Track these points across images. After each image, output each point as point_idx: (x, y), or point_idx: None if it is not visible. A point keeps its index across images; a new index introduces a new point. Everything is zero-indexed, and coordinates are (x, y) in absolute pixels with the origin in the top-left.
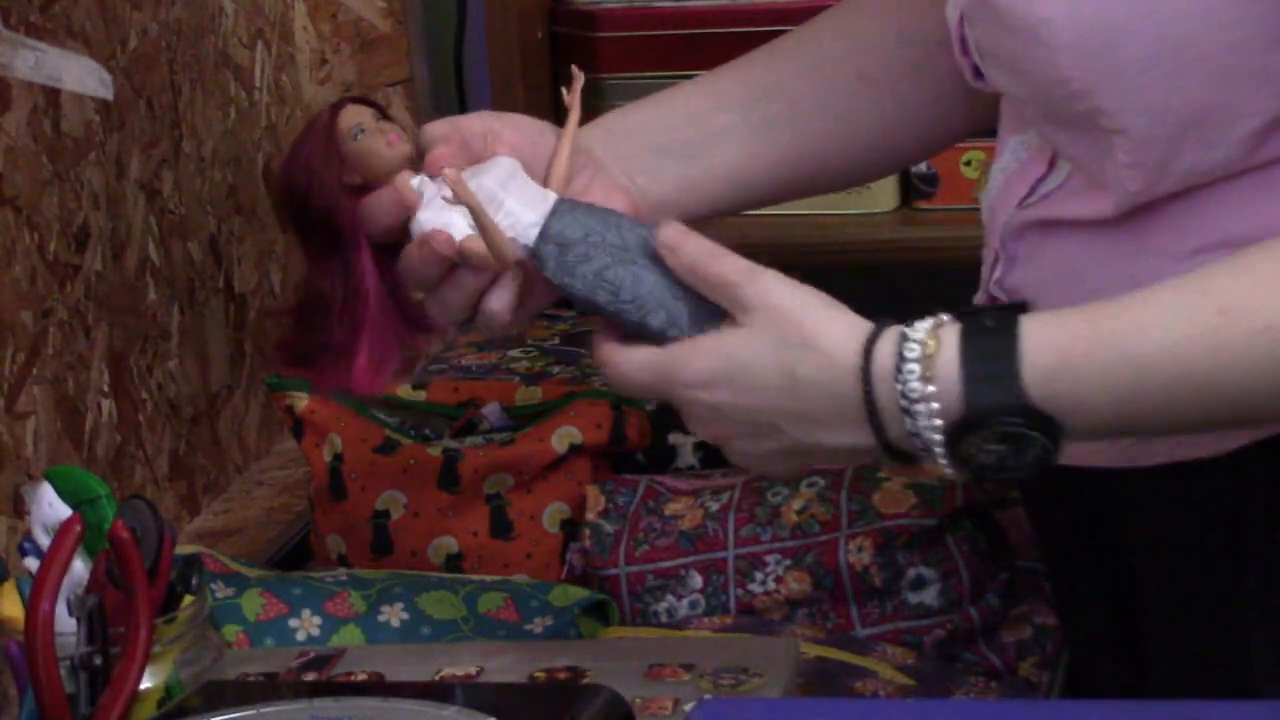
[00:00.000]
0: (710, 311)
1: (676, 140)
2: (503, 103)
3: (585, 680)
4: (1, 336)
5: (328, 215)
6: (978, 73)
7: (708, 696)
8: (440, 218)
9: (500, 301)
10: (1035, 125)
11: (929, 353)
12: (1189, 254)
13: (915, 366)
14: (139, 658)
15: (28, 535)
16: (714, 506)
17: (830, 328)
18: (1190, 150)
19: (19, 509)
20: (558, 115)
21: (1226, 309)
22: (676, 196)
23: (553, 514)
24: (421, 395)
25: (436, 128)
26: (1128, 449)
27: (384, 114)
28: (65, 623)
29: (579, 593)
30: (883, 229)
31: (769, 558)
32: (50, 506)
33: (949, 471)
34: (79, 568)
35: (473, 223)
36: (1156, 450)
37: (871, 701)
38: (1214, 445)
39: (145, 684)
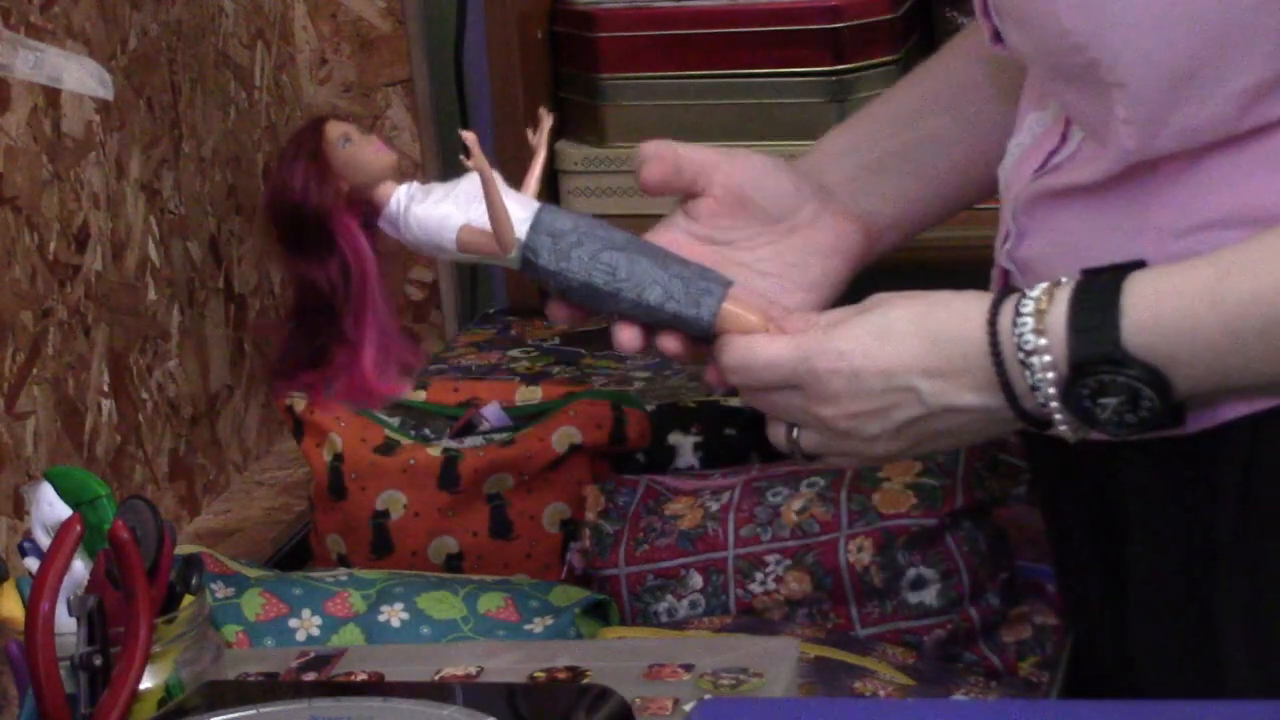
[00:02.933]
0: (704, 288)
1: (890, 152)
2: (503, 103)
3: (585, 680)
4: (1, 336)
5: (321, 216)
6: (997, 36)
7: (708, 696)
8: (436, 210)
9: None
10: (1046, 84)
11: (1041, 308)
12: (1187, 231)
13: (1029, 319)
14: (139, 658)
15: (28, 535)
16: (714, 506)
17: (960, 295)
18: (1184, 106)
19: (19, 509)
20: (557, 114)
21: None
22: (900, 210)
23: (553, 514)
24: (421, 395)
25: (653, 145)
26: None
27: (366, 128)
28: (65, 623)
29: (579, 593)
30: None
31: (769, 558)
32: (50, 506)
33: (1069, 431)
34: (79, 568)
35: (468, 215)
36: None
37: (871, 701)
38: (1192, 422)
39: (145, 684)
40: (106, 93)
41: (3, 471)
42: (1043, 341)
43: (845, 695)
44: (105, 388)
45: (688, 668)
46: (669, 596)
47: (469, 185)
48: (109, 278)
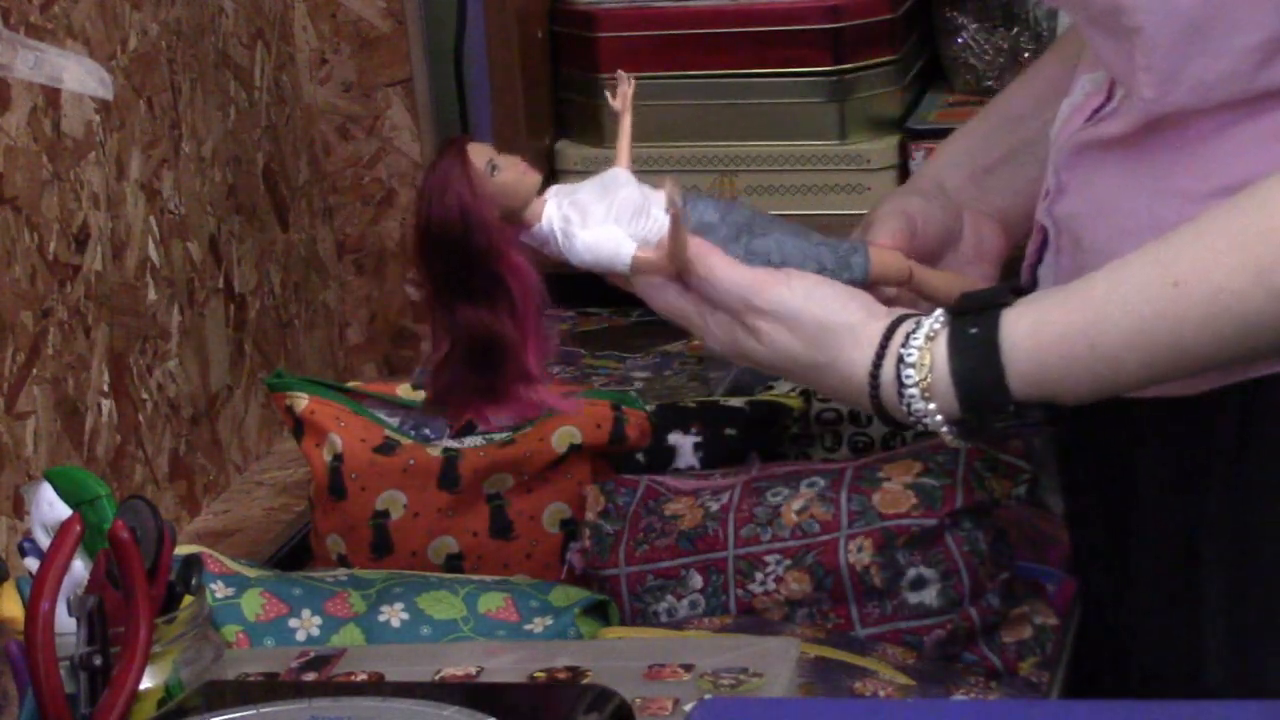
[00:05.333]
0: (849, 248)
1: (1007, 151)
2: (503, 103)
3: (585, 680)
4: (1, 336)
5: (489, 251)
6: None
7: (708, 696)
8: (606, 235)
9: None
10: (1083, 31)
11: (924, 376)
12: (1207, 196)
13: (915, 390)
14: (139, 658)
15: (28, 535)
16: (714, 506)
17: (845, 346)
18: (1198, 59)
19: (19, 509)
20: (557, 115)
21: (1181, 280)
22: (1029, 199)
23: (553, 514)
24: (421, 395)
25: (888, 214)
26: None
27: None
28: (65, 623)
29: (579, 593)
30: None
31: (769, 558)
32: (50, 506)
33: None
34: (79, 568)
35: (632, 233)
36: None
37: (871, 701)
38: (1183, 385)
39: (145, 684)
40: (106, 93)
41: (3, 471)
42: (931, 405)
43: (845, 695)
44: (105, 388)
45: (688, 668)
46: (669, 596)
47: (626, 195)
48: (109, 278)
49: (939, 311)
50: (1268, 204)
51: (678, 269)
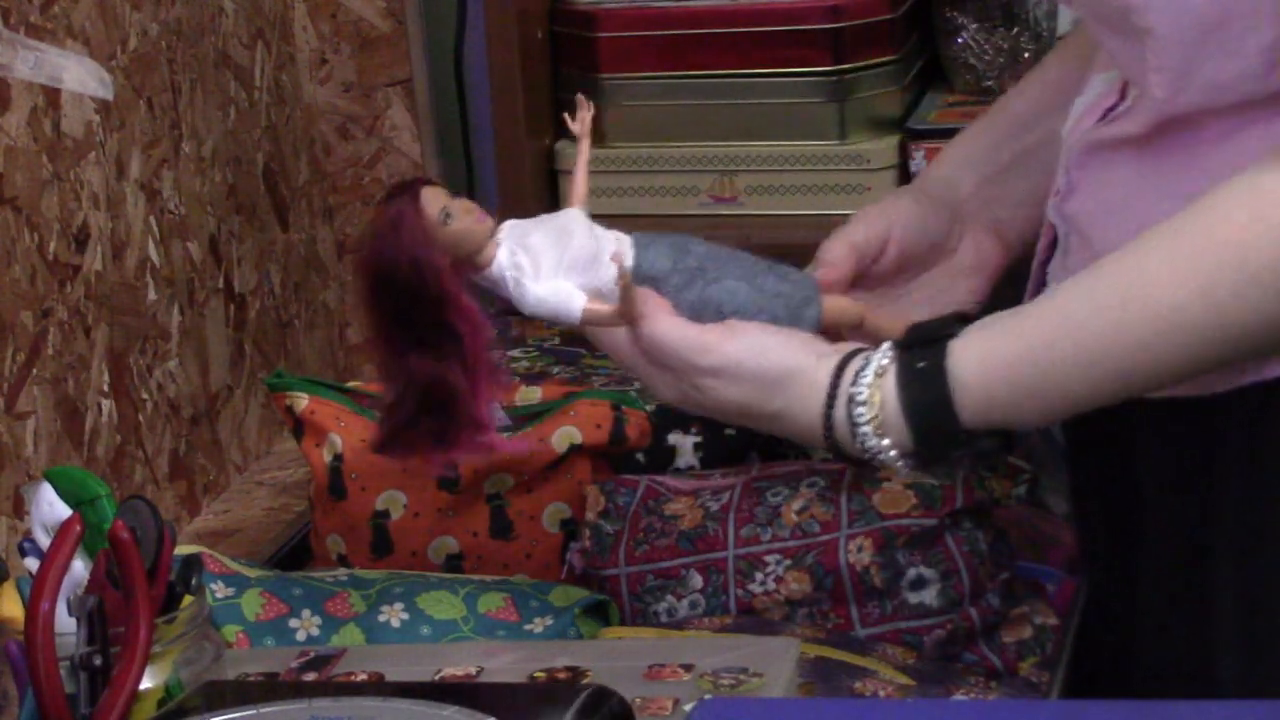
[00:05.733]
0: (802, 299)
1: (1012, 158)
2: (503, 103)
3: (585, 680)
4: (1, 336)
5: (438, 297)
6: None
7: (708, 696)
8: (556, 287)
9: None
10: (1095, 32)
11: (875, 413)
12: None
13: (867, 428)
14: (139, 658)
15: (28, 535)
16: (714, 506)
17: (796, 394)
18: (1211, 59)
19: (19, 509)
20: (557, 115)
21: (1127, 300)
22: (1031, 211)
23: (553, 514)
24: None
25: (834, 250)
26: None
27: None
28: (65, 623)
29: (579, 593)
30: None
31: (769, 558)
32: (50, 506)
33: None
34: (79, 568)
35: (582, 284)
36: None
37: (871, 701)
38: (1196, 385)
39: (145, 684)
40: (106, 93)
41: (3, 471)
42: (885, 442)
43: (845, 695)
44: (105, 388)
45: (688, 668)
46: (669, 596)
47: (579, 245)
48: (109, 278)
49: (886, 345)
50: (1211, 222)
51: (627, 324)
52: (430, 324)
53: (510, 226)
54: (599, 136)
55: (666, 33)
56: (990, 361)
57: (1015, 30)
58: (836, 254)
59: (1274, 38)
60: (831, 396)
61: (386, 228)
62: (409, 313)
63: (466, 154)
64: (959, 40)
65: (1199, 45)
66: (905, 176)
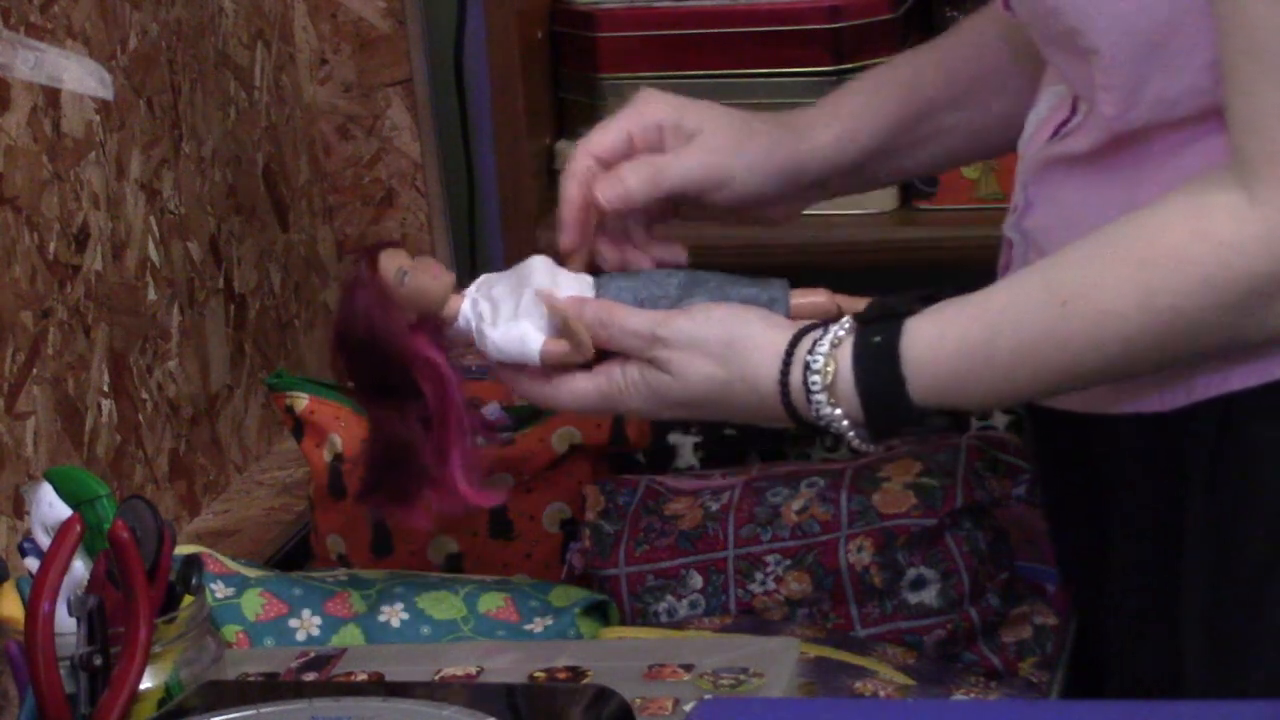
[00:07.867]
0: (769, 298)
1: (903, 140)
2: (503, 103)
3: (585, 680)
4: (1, 336)
5: (399, 355)
6: (1006, 3)
7: (708, 696)
8: (513, 332)
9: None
10: (1044, 50)
11: (829, 381)
12: None
13: (821, 396)
14: (139, 658)
15: (28, 535)
16: (714, 506)
17: (752, 358)
18: (1158, 76)
19: (19, 509)
20: (557, 115)
21: (1069, 300)
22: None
23: (553, 514)
24: None
25: (606, 138)
26: (1087, 399)
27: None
28: (65, 623)
29: (579, 593)
30: (882, 229)
31: (769, 558)
32: (50, 506)
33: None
34: (79, 568)
35: (541, 325)
36: (1118, 399)
37: (871, 701)
38: (1159, 401)
39: (145, 684)
40: (106, 93)
41: (3, 471)
42: (838, 411)
43: (845, 695)
44: (105, 388)
45: (688, 668)
46: (669, 596)
47: (538, 288)
48: (109, 278)
49: (846, 318)
50: (1155, 228)
51: (585, 356)
52: (395, 383)
53: (481, 279)
54: None
55: (666, 33)
56: (942, 344)
57: None
58: (569, 188)
59: (1215, 56)
60: (787, 362)
61: (345, 291)
62: (373, 372)
63: (466, 154)
64: None
65: (1145, 63)
66: None
